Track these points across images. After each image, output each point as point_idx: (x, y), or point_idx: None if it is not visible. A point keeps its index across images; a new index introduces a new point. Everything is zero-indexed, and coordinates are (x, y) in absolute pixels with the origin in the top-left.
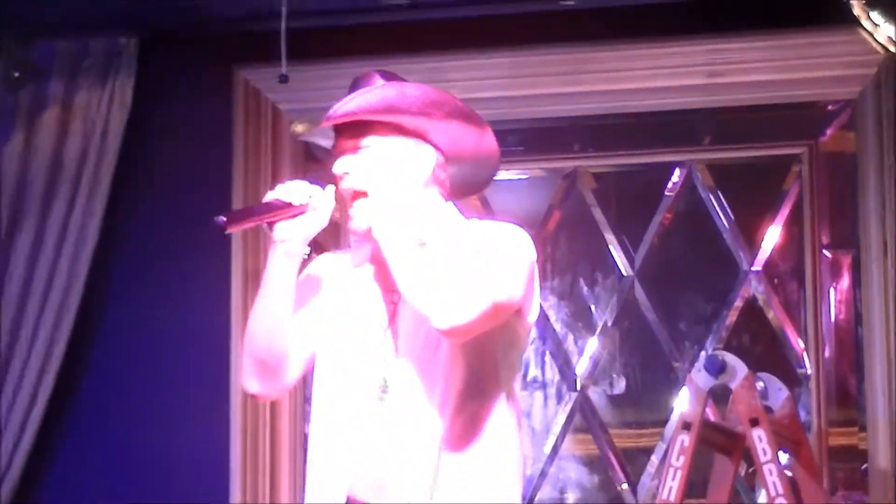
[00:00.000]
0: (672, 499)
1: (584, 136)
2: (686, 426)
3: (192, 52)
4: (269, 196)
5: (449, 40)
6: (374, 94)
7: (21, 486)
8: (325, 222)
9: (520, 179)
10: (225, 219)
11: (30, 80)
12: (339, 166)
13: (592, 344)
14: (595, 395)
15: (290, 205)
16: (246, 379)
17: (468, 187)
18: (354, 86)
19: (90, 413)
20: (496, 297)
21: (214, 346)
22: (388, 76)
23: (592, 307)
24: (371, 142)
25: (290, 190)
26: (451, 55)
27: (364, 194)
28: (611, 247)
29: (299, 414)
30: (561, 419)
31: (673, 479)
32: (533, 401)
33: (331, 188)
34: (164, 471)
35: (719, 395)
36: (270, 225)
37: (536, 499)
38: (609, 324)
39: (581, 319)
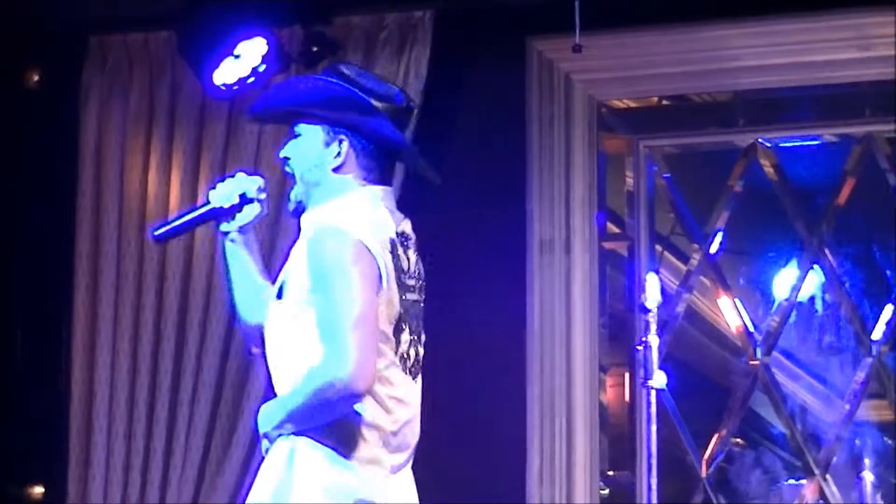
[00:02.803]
0: None
1: (877, 101)
2: None
3: (485, 24)
4: (213, 197)
5: (731, 9)
6: (280, 87)
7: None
8: (258, 210)
9: (811, 146)
10: (162, 234)
11: (328, 54)
12: (282, 152)
13: (888, 310)
14: (891, 360)
15: (222, 209)
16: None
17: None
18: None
19: None
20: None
21: (511, 314)
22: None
23: (888, 272)
24: (301, 129)
25: (221, 196)
26: (738, 22)
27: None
28: None
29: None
30: (856, 385)
31: None
32: (828, 366)
33: (258, 180)
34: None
35: None
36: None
37: (832, 464)
38: None
39: (876, 285)
